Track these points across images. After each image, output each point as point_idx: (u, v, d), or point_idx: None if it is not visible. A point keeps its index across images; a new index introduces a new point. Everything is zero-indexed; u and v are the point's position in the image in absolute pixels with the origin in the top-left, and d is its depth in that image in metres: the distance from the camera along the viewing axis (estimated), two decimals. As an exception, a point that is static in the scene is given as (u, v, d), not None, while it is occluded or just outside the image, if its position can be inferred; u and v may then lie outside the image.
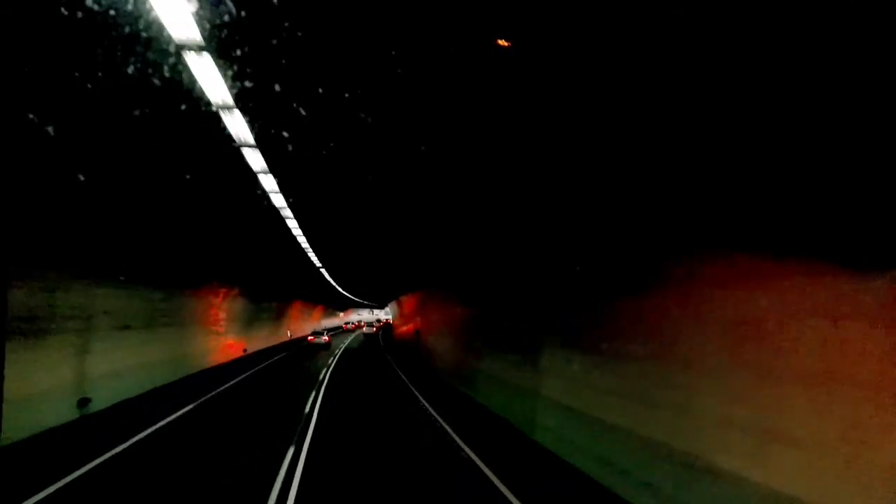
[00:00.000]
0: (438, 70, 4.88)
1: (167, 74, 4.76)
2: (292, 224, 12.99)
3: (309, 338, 37.42)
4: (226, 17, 3.93)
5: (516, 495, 7.34)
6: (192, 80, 4.84)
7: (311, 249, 17.78)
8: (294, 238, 14.88)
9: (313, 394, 15.89)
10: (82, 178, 7.49)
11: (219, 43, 4.25)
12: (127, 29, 4.12)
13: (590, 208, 7.77)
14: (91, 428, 10.69)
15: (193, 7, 3.76)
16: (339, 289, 36.11)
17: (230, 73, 4.75)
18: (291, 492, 7.27)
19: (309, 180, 9.19)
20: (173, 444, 9.84)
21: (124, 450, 9.16)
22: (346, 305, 69.31)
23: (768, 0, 3.19)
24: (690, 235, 6.15)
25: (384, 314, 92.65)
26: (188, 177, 8.39)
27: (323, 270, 24.40)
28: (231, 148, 6.86)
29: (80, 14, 3.95)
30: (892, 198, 3.78)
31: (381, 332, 55.48)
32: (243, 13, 3.89)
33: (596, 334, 8.41)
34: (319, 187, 9.68)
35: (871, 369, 3.99)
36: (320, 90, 5.18)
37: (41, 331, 9.79)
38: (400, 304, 42.07)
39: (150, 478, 7.84)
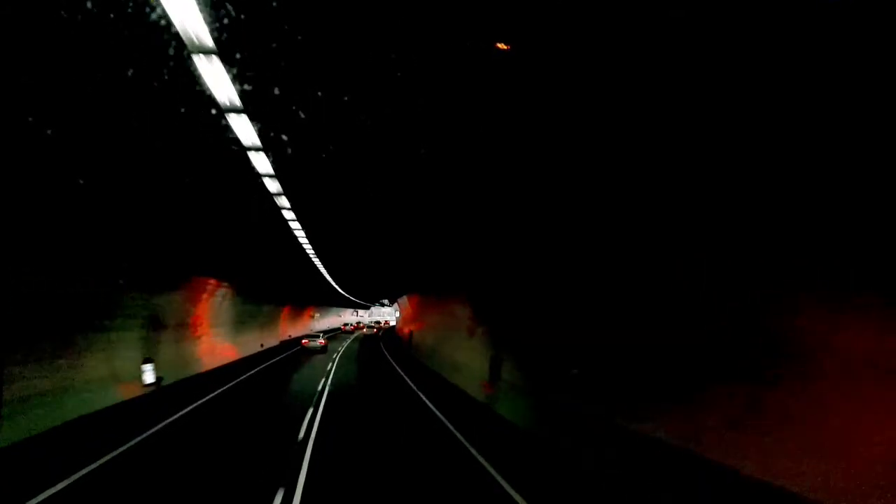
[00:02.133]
0: (440, 73, 4.98)
1: (175, 76, 4.96)
2: (289, 216, 12.92)
3: (303, 341, 36.11)
4: (235, 25, 4.21)
5: None
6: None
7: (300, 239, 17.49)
8: (288, 227, 14.44)
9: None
10: None
11: (229, 51, 4.51)
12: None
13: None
14: None
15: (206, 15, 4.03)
16: (337, 286, 35.57)
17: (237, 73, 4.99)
18: None
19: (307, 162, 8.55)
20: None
21: None
22: (332, 303, 64.93)
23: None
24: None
25: (371, 315, 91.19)
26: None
27: (318, 264, 24.03)
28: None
29: (91, 16, 4.08)
30: None
31: (381, 340, 51.72)
32: (248, 18, 4.17)
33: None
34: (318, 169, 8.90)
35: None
36: (320, 93, 5.46)
37: None
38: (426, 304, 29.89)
39: None
